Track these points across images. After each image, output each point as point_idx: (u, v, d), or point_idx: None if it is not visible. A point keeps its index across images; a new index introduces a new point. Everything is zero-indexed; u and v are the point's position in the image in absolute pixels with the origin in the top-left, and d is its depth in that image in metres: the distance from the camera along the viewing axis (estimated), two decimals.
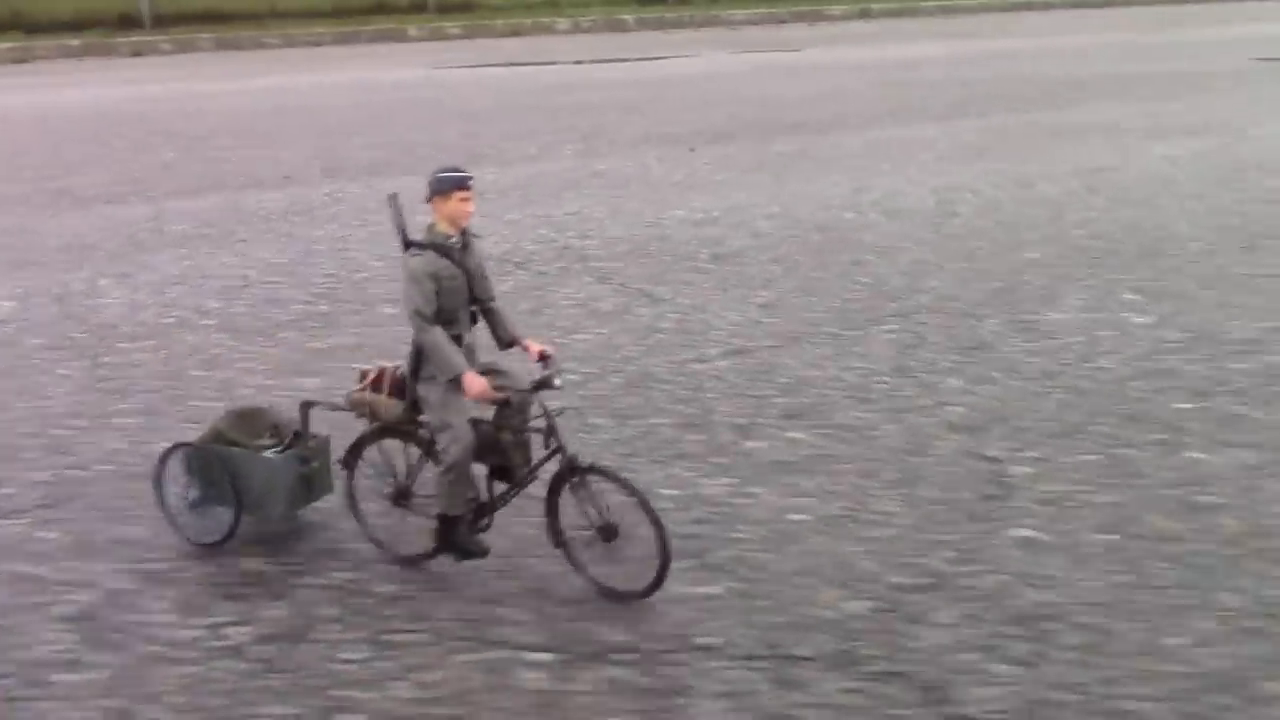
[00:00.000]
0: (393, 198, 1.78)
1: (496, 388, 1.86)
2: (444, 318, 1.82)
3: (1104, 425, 2.66)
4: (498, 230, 3.95)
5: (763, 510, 2.33)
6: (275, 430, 2.24)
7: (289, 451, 2.16)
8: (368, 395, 2.00)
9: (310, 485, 2.19)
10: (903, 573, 2.11)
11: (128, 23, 14.33)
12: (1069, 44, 11.44)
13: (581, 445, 2.16)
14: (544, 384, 1.88)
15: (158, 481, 2.27)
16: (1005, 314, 3.31)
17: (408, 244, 1.83)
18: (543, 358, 1.91)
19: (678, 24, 16.24)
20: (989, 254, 3.68)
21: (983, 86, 7.61)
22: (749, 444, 2.61)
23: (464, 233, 1.84)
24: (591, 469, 1.90)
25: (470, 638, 1.93)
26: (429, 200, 1.83)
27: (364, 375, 2.07)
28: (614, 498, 1.96)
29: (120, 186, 4.90)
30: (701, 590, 2.04)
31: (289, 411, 2.27)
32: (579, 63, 10.60)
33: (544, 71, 9.72)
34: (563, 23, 15.94)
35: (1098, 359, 3.03)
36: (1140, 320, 3.22)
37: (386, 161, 5.16)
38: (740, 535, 2.24)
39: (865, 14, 17.22)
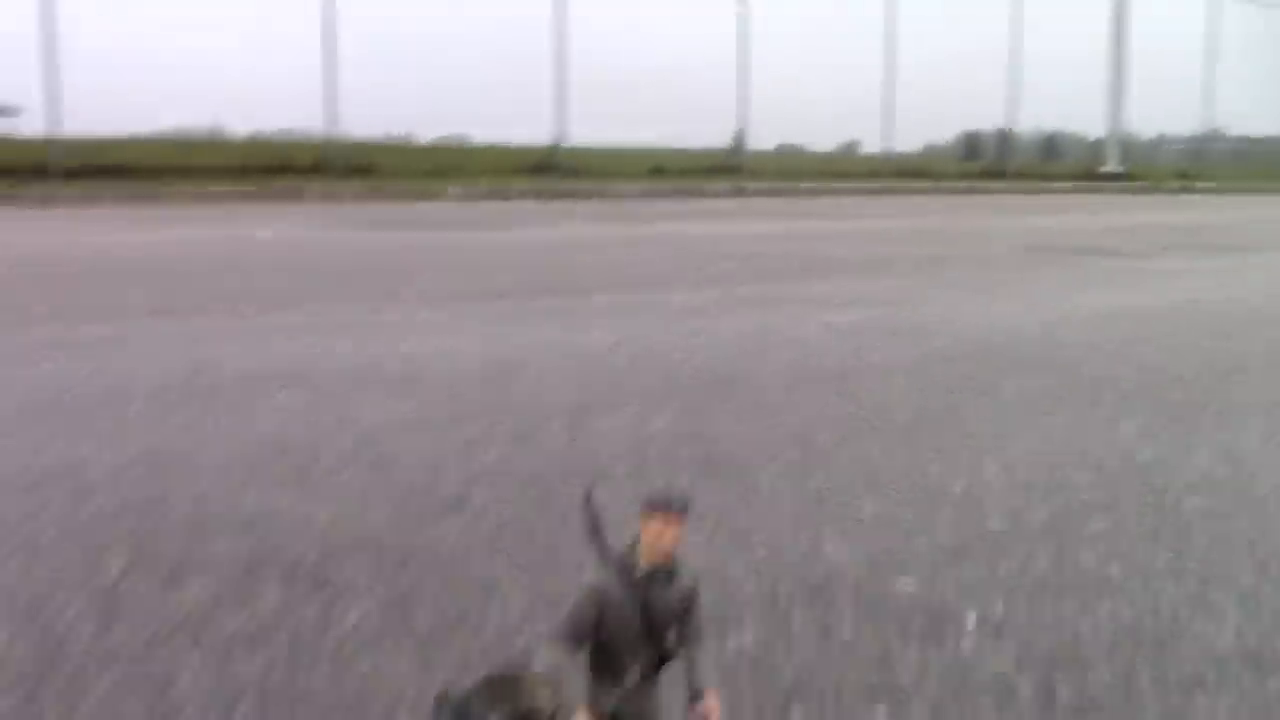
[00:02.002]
0: (587, 501, 1.31)
1: None
2: (605, 650, 1.30)
3: None
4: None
5: None
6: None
7: None
8: None
9: None
10: None
11: (38, 172, 15.29)
12: (875, 226, 12.55)
13: None
14: None
15: None
16: None
17: (605, 556, 1.32)
18: None
19: (563, 194, 17.39)
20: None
21: (757, 261, 8.57)
22: None
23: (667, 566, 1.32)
24: None
25: None
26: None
27: None
28: None
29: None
30: None
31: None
32: (442, 228, 11.53)
33: (405, 235, 10.62)
34: (455, 188, 17.05)
35: None
36: None
37: (199, 305, 5.85)
38: None
39: (740, 191, 18.53)
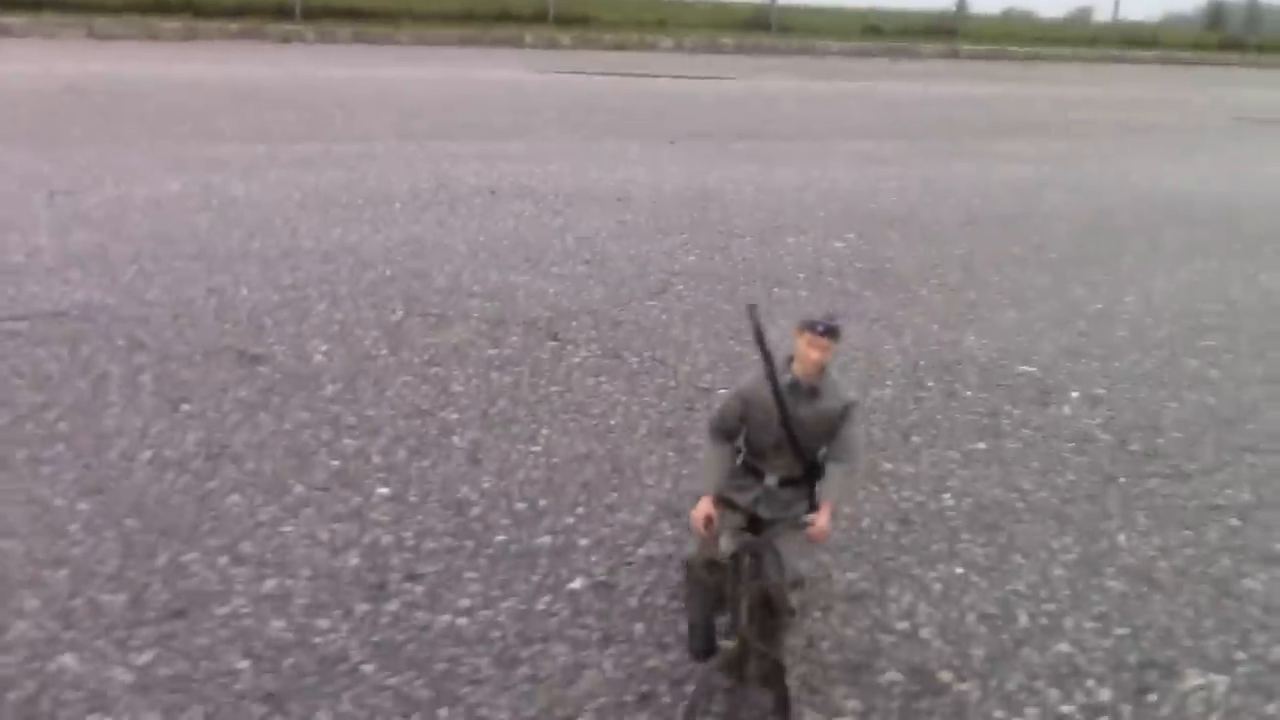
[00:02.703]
0: (752, 309, 1.38)
1: (717, 533, 1.35)
2: (751, 449, 1.43)
3: None
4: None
5: None
6: None
7: None
8: None
9: None
10: None
11: (281, 13, 16.36)
12: (1085, 93, 12.33)
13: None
14: (750, 550, 1.31)
15: None
16: None
17: (767, 363, 1.36)
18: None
19: (772, 51, 17.50)
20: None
21: (954, 118, 8.75)
22: None
23: (810, 382, 1.36)
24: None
25: None
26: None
27: None
28: None
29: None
30: None
31: None
32: (653, 76, 12.00)
33: (619, 80, 11.15)
34: (666, 41, 17.38)
35: None
36: None
37: (437, 132, 6.56)
38: None
39: (954, 54, 18.21)
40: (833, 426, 1.37)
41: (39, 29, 13.88)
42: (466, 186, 4.65)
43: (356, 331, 2.70)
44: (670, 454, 2.07)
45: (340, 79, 9.96)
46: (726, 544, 1.35)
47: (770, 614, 1.30)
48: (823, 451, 1.38)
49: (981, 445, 2.18)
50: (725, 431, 1.41)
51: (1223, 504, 1.96)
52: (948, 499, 1.93)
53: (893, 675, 1.43)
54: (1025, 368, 2.64)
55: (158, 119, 6.47)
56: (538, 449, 2.07)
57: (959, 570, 1.69)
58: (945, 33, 20.84)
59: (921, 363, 2.62)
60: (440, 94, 9.16)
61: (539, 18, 18.07)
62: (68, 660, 1.40)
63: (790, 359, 1.36)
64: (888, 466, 2.07)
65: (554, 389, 2.38)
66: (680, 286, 3.21)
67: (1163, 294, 3.37)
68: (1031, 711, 1.39)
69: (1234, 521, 1.89)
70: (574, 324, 2.82)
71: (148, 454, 1.98)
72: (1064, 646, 1.51)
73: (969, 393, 2.46)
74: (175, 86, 8.50)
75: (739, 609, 1.30)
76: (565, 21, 18.12)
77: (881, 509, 1.90)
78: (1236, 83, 15.43)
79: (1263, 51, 23.54)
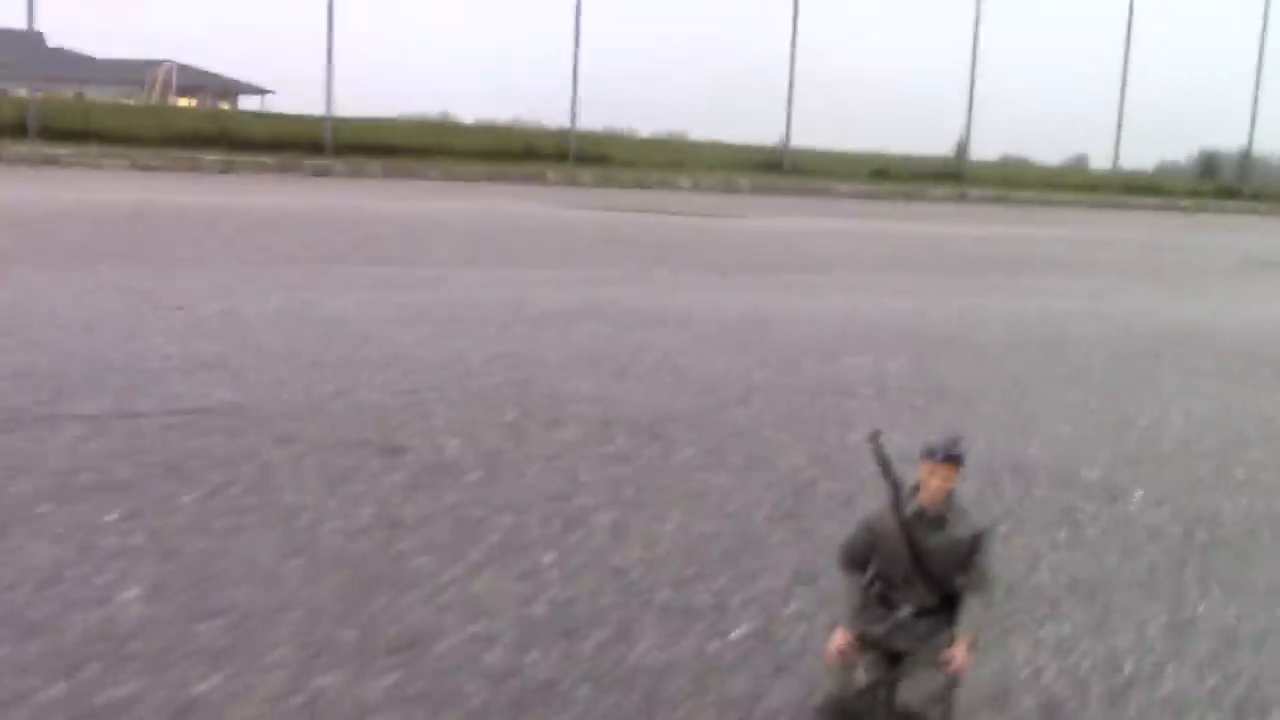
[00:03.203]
0: (875, 436, 1.39)
1: (856, 664, 1.39)
2: (884, 579, 1.42)
3: None
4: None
5: None
6: None
7: None
8: None
9: None
10: None
11: (313, 147, 17.06)
12: (1094, 235, 12.83)
13: None
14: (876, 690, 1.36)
15: None
16: None
17: (894, 492, 1.38)
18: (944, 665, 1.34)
19: (786, 191, 18.16)
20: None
21: (976, 256, 9.17)
22: None
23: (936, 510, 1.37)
24: None
25: None
26: None
27: None
28: None
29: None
30: None
31: None
32: (682, 214, 12.51)
33: (648, 216, 11.65)
34: (684, 180, 18.05)
35: None
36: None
37: (498, 260, 6.93)
38: None
39: (962, 197, 18.89)
40: (964, 556, 1.36)
41: (84, 160, 14.49)
42: (542, 308, 4.98)
43: (480, 429, 2.99)
44: (791, 534, 2.34)
45: (388, 210, 10.44)
46: (862, 677, 1.36)
47: None
48: (960, 580, 1.36)
49: (1063, 534, 2.44)
50: (855, 561, 1.42)
51: None
52: (1044, 574, 2.19)
53: (1027, 704, 1.68)
54: (1089, 472, 2.91)
55: (232, 242, 6.87)
56: (672, 527, 2.34)
57: (1067, 629, 1.95)
58: (952, 177, 21.60)
59: (994, 466, 2.89)
60: (485, 225, 9.61)
61: (561, 156, 18.79)
62: (329, 679, 1.65)
63: (915, 488, 1.36)
64: None
65: (670, 480, 2.65)
66: (760, 398, 3.51)
67: (1203, 412, 3.67)
68: None
69: None
70: (672, 426, 3.11)
71: (332, 524, 2.25)
72: (1170, 686, 1.77)
73: (1042, 491, 2.73)
74: (234, 212, 8.95)
75: None
76: (584, 160, 18.83)
77: None
78: (1236, 228, 16.02)
79: (1258, 199, 24.30)
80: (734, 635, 1.85)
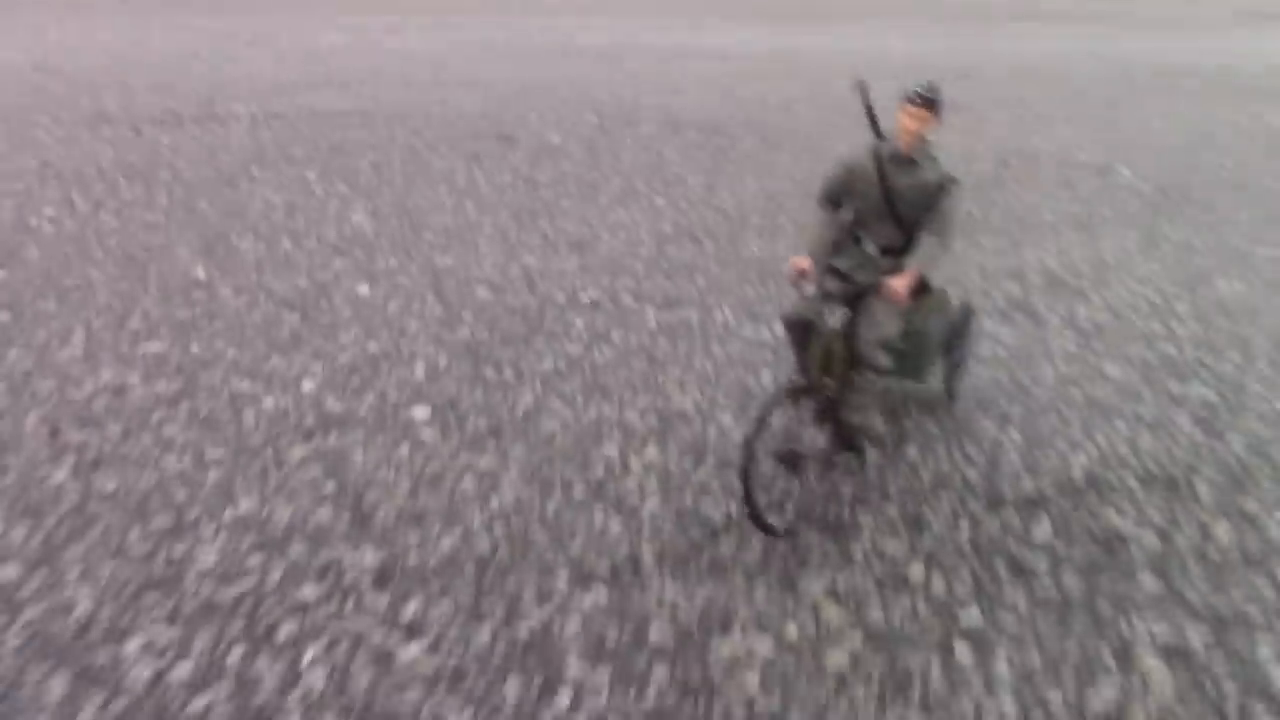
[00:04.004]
0: (860, 83, 1.48)
1: (808, 291, 1.51)
2: (856, 217, 1.53)
3: None
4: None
5: None
6: None
7: None
8: None
9: None
10: None
11: None
12: None
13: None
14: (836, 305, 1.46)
15: None
16: None
17: (874, 130, 1.53)
18: (884, 290, 1.46)
19: None
20: None
21: (936, 4, 9.44)
22: None
23: (912, 151, 1.49)
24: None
25: None
26: None
27: None
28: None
29: None
30: None
31: None
32: None
33: None
34: None
35: None
36: None
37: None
38: None
39: None
40: (930, 198, 1.44)
41: None
42: (592, 42, 5.42)
43: (571, 125, 3.53)
44: None
45: None
46: (809, 290, 1.51)
47: (850, 363, 1.48)
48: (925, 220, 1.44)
49: (1064, 193, 3.04)
50: (830, 198, 1.51)
51: None
52: (1047, 215, 2.80)
53: (1035, 279, 2.32)
54: (1085, 156, 3.49)
55: None
56: (752, 187, 2.93)
57: (1065, 242, 2.57)
58: None
59: (1003, 152, 3.46)
60: None
61: None
62: (530, 260, 2.28)
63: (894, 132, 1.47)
64: None
65: (740, 159, 3.22)
66: (802, 107, 4.04)
67: (1180, 120, 4.23)
68: None
69: None
70: (731, 125, 3.65)
71: (480, 183, 2.84)
72: (1141, 272, 2.41)
73: (1045, 170, 3.31)
74: None
75: (814, 352, 1.47)
76: None
77: None
78: None
79: None
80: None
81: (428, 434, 1.73)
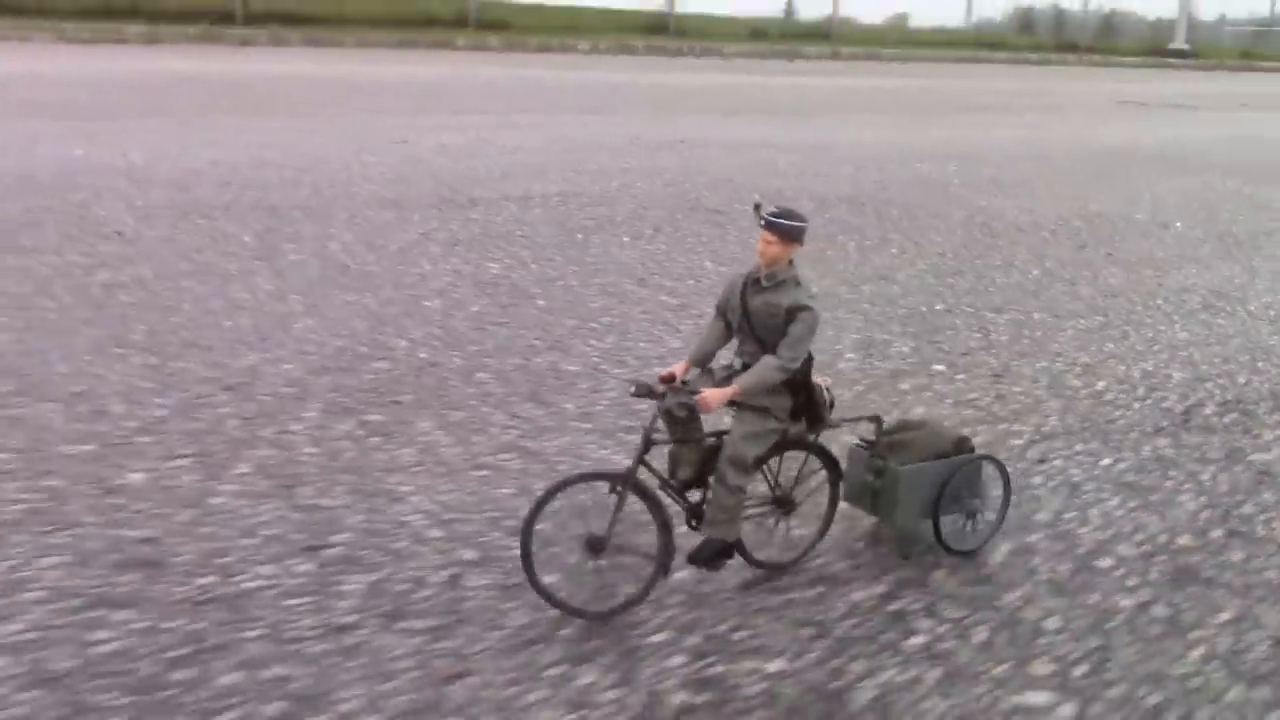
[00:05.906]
0: (758, 207, 1.49)
1: (674, 391, 1.50)
2: (733, 332, 1.55)
3: None
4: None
5: None
6: None
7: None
8: None
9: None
10: None
11: (224, 18, 17.18)
12: (975, 85, 14.34)
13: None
14: (652, 394, 1.48)
15: None
16: None
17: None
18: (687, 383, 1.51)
19: (677, 53, 19.13)
20: None
21: (879, 99, 10.57)
22: None
23: (767, 273, 1.48)
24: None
25: None
26: None
27: None
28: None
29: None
30: None
31: None
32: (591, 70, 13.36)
33: (572, 75, 12.56)
34: (584, 44, 18.88)
35: None
36: None
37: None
38: None
39: (835, 56, 20.23)
40: (780, 321, 1.44)
41: (13, 33, 14.55)
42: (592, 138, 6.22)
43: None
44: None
45: (363, 74, 11.18)
46: (674, 400, 1.50)
47: (701, 474, 1.54)
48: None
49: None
50: (718, 309, 1.56)
51: None
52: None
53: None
54: (1077, 221, 4.43)
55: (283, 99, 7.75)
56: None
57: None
58: (821, 37, 22.86)
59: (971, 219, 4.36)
60: (448, 85, 10.48)
61: (459, 23, 19.24)
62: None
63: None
64: None
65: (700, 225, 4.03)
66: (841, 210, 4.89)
67: (1170, 193, 5.26)
68: None
69: None
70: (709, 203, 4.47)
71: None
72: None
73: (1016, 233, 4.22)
74: (243, 77, 9.66)
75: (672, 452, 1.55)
76: (484, 26, 19.35)
77: None
78: (1088, 79, 17.72)
79: (1089, 52, 26.22)
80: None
81: None
